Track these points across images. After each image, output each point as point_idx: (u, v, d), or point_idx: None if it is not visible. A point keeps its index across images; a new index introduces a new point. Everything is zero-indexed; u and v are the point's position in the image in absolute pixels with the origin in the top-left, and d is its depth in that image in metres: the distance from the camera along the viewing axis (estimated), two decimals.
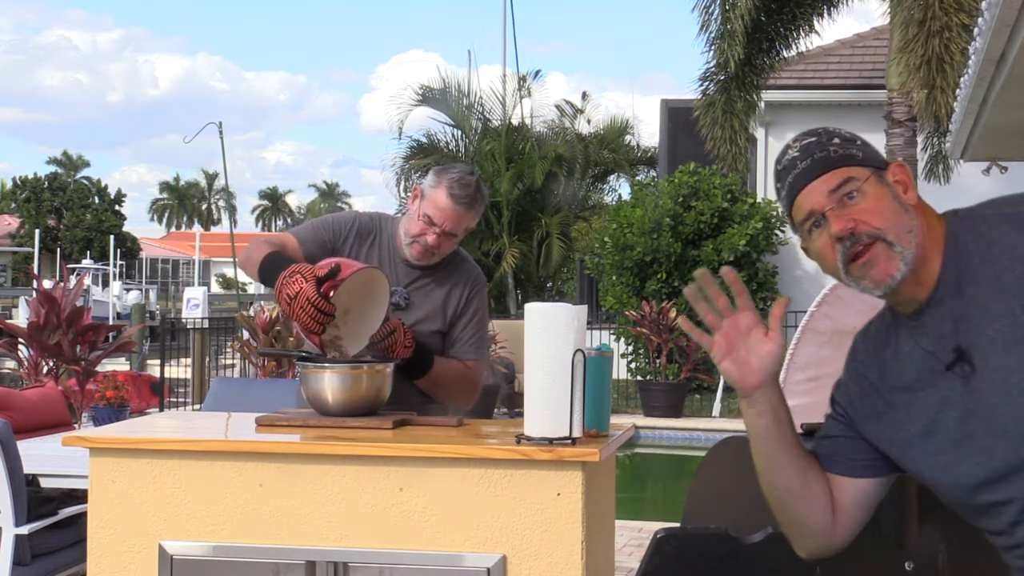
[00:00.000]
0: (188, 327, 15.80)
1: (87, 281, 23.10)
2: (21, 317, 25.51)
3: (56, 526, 4.31)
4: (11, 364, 12.40)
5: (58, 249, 48.40)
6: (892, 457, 1.88)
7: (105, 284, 40.37)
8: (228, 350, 14.72)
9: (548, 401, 2.40)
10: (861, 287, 1.79)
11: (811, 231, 1.82)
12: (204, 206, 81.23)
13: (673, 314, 14.09)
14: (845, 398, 1.95)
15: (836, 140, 1.83)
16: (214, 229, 74.75)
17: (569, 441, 2.40)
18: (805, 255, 1.90)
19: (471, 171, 3.19)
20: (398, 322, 2.99)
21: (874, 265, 1.76)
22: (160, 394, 13.80)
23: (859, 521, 1.94)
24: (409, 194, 3.22)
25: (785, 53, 15.25)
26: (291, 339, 10.60)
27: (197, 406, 12.63)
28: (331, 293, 2.74)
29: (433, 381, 3.12)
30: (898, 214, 1.77)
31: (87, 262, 41.71)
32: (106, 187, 57.02)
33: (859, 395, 1.91)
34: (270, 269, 2.87)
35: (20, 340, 10.30)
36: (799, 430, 2.49)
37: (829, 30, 51.68)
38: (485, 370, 3.30)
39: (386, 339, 2.94)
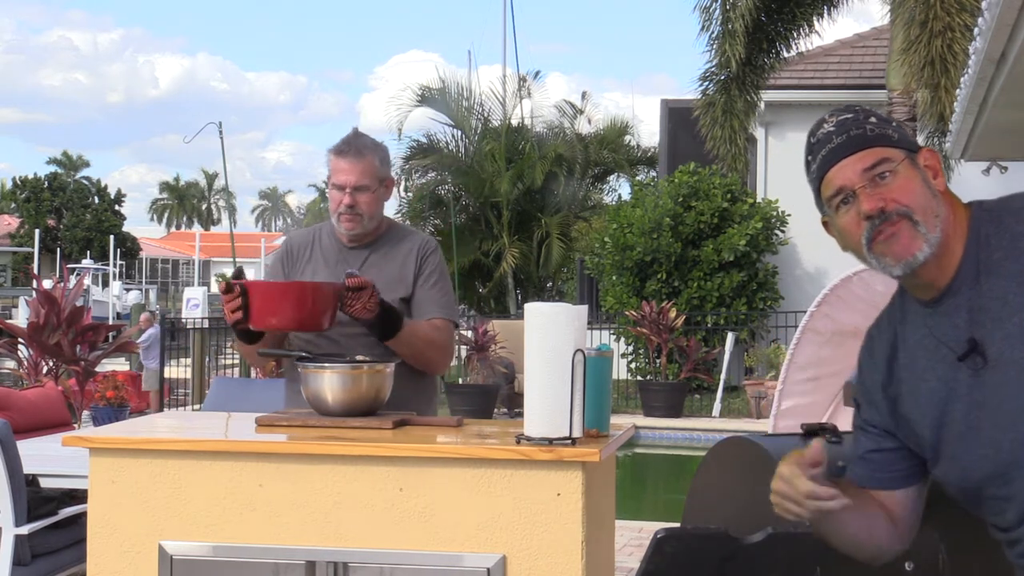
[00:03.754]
0: (188, 327, 15.79)
1: (87, 281, 23.10)
2: (21, 317, 25.50)
3: (56, 526, 4.30)
4: (11, 364, 12.40)
5: (58, 249, 48.37)
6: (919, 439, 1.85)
7: (105, 284, 40.36)
8: (228, 350, 14.71)
9: (548, 401, 2.40)
10: (882, 264, 1.78)
11: (838, 207, 1.81)
12: (204, 206, 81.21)
13: (673, 314, 14.10)
14: (869, 400, 1.91)
15: (873, 119, 1.82)
16: (214, 229, 74.74)
17: (569, 441, 2.40)
18: (824, 230, 1.88)
19: (352, 129, 3.36)
20: (363, 281, 2.99)
21: (897, 241, 1.75)
22: (160, 394, 13.80)
23: (918, 518, 1.94)
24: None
25: (785, 53, 15.26)
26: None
27: (197, 406, 12.63)
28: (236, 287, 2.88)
29: (405, 343, 3.12)
30: (928, 198, 1.77)
31: (87, 262, 41.67)
32: (106, 187, 56.98)
33: (881, 389, 1.89)
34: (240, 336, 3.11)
35: (20, 340, 10.30)
36: (799, 430, 2.49)
37: (829, 30, 51.70)
38: (455, 331, 3.37)
39: (356, 292, 2.96)
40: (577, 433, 2.42)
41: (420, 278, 3.27)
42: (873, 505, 1.91)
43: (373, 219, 3.26)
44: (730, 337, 14.49)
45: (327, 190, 3.35)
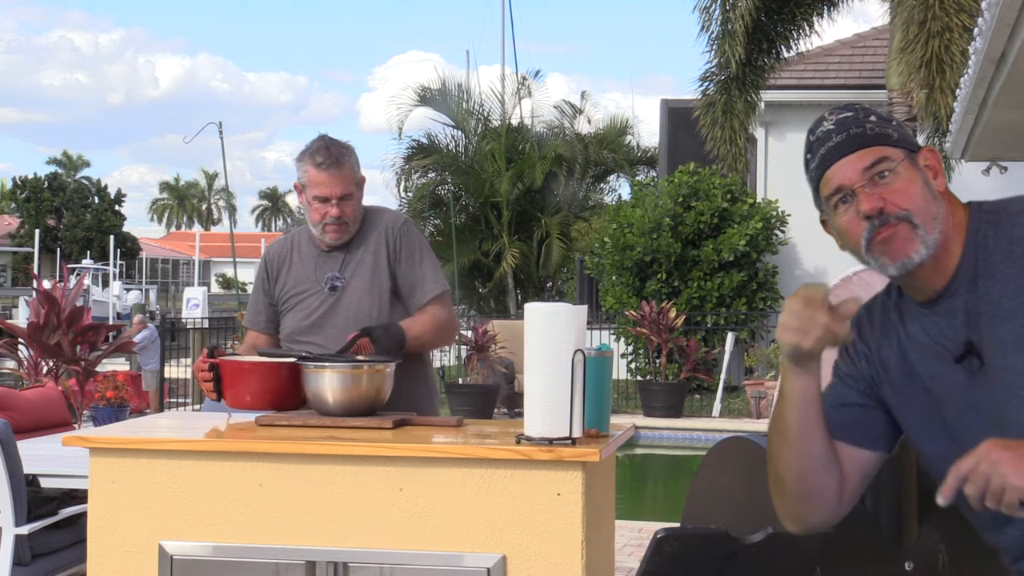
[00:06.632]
0: (188, 327, 15.79)
1: (87, 281, 23.10)
2: (21, 317, 25.51)
3: (56, 526, 4.30)
4: (11, 364, 12.40)
5: (58, 249, 48.32)
6: (903, 429, 1.84)
7: (105, 284, 40.35)
8: (229, 350, 14.71)
9: (548, 401, 2.40)
10: (879, 264, 1.77)
11: (837, 206, 1.80)
12: (204, 206, 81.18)
13: (673, 314, 14.10)
14: (854, 362, 1.88)
15: (873, 118, 1.81)
16: (214, 229, 74.73)
17: (569, 441, 2.40)
18: (823, 228, 1.87)
19: (319, 137, 3.32)
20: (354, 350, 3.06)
21: (893, 241, 1.74)
22: (160, 394, 13.80)
23: (858, 496, 1.89)
24: (298, 197, 3.33)
25: (785, 53, 15.27)
26: None
27: (197, 406, 12.63)
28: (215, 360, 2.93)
29: (415, 345, 3.22)
30: (927, 199, 1.77)
31: (87, 262, 41.63)
32: (106, 187, 56.92)
33: (865, 358, 1.87)
34: None
35: (20, 340, 10.30)
36: None
37: (829, 30, 51.69)
38: (450, 300, 3.40)
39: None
40: (577, 433, 2.43)
41: (401, 262, 3.27)
42: (835, 459, 1.85)
43: (356, 222, 3.27)
44: (730, 337, 14.49)
45: (300, 199, 3.29)
